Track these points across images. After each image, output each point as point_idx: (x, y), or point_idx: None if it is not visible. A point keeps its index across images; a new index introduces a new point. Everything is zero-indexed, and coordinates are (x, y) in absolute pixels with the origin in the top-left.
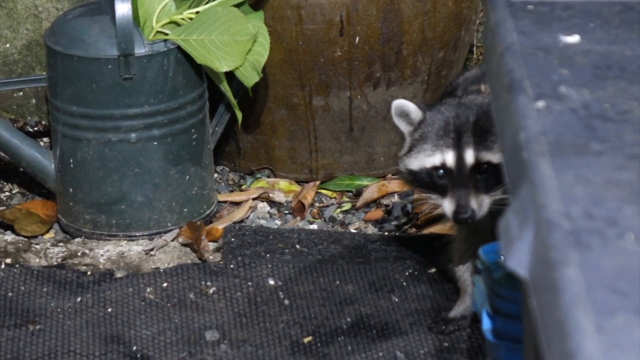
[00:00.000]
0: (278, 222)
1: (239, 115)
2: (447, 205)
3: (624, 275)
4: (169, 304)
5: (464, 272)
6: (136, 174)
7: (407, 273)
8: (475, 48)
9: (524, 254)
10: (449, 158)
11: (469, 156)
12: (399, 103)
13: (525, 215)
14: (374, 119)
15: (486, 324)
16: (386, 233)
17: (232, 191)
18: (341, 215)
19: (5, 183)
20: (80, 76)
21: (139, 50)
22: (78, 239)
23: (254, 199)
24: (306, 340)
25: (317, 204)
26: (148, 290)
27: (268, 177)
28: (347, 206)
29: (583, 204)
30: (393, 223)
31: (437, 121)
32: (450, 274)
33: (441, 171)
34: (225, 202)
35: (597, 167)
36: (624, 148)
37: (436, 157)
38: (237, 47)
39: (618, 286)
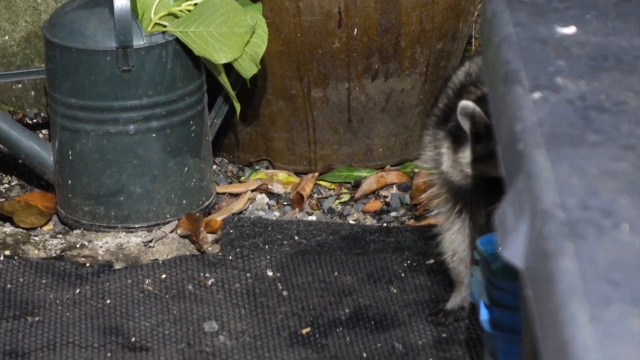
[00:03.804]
0: (277, 213)
1: (238, 107)
2: None
3: (619, 265)
4: (167, 296)
5: (458, 263)
6: (135, 165)
7: (405, 264)
8: (473, 39)
9: (519, 245)
10: None
11: None
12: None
13: (521, 206)
14: (373, 110)
15: (484, 314)
16: (385, 224)
17: (230, 183)
18: (340, 207)
19: (4, 175)
20: (79, 68)
21: (137, 42)
22: (77, 231)
23: (252, 191)
24: (304, 331)
25: (315, 196)
26: (147, 281)
27: (267, 168)
28: (345, 197)
29: (578, 194)
30: (392, 214)
31: None
32: (444, 266)
33: None
34: (224, 193)
35: (593, 158)
36: (619, 139)
37: None
38: (235, 39)
39: (613, 277)
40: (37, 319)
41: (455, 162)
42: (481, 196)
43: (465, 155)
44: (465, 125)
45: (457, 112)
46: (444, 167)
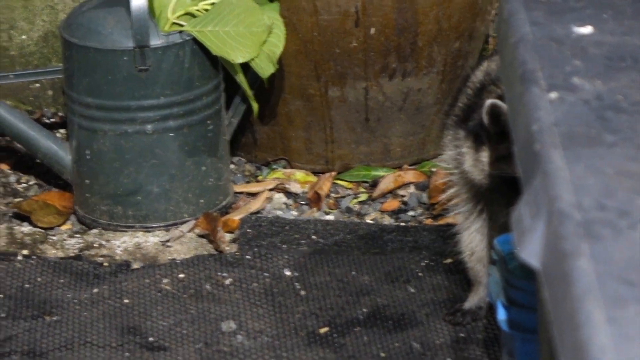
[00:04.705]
0: (294, 212)
1: (255, 106)
2: None
3: (635, 266)
4: (185, 295)
5: (476, 262)
6: (152, 165)
7: (423, 263)
8: (490, 39)
9: (536, 245)
10: None
11: None
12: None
13: (538, 206)
14: (390, 109)
15: (501, 314)
16: (402, 224)
17: (248, 182)
18: (357, 206)
19: (22, 175)
20: (96, 68)
21: (155, 42)
22: (94, 230)
23: (270, 190)
24: (322, 331)
25: (333, 195)
26: (164, 281)
27: (284, 167)
28: (363, 197)
29: (595, 195)
30: (409, 213)
31: None
32: (462, 265)
33: None
34: (241, 193)
35: (610, 158)
36: (636, 139)
37: None
38: (253, 39)
39: (629, 277)
40: (55, 318)
41: (477, 161)
42: (502, 195)
43: (487, 154)
44: (491, 124)
45: (484, 111)
46: (465, 167)
